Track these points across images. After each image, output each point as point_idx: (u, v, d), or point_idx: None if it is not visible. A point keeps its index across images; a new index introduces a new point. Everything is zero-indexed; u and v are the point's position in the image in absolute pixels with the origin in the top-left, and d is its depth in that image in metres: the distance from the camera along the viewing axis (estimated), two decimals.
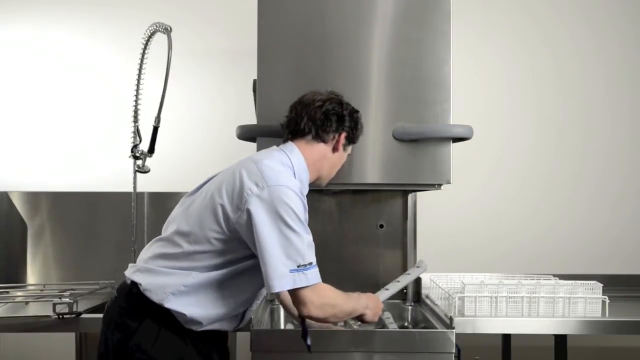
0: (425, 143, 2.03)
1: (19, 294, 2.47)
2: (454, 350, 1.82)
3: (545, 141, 2.98)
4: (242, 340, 2.21)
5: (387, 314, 2.29)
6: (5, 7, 2.98)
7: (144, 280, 1.67)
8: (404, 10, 2.06)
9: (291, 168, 1.74)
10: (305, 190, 1.75)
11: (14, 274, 2.75)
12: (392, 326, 2.11)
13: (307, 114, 1.78)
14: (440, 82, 2.04)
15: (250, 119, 2.17)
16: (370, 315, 1.82)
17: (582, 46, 2.99)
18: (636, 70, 2.99)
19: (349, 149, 1.89)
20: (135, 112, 2.35)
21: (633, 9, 3.00)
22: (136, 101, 2.34)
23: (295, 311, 1.76)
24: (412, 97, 2.04)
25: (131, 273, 1.72)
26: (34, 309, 2.17)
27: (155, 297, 1.64)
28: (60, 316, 2.00)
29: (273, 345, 1.83)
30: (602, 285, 1.99)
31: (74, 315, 2.01)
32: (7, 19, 2.98)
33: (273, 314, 2.30)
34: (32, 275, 2.76)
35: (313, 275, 1.62)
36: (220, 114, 2.92)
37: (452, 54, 2.04)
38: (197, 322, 1.67)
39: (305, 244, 1.62)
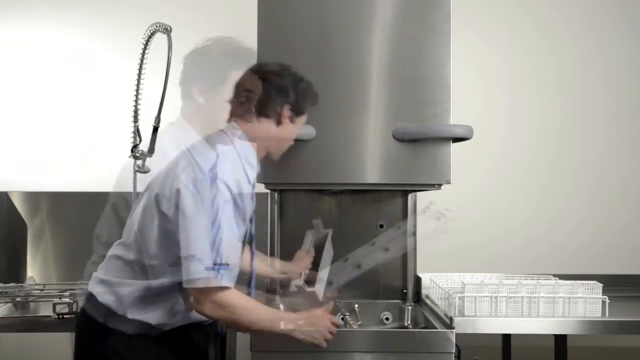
0: (425, 143, 2.03)
1: (19, 294, 2.46)
2: (454, 350, 1.82)
3: (545, 141, 2.97)
4: (242, 340, 2.21)
5: (387, 314, 2.29)
6: (5, 7, 2.98)
7: (102, 297, 1.67)
8: (404, 10, 2.06)
9: (227, 152, 1.65)
10: (252, 170, 1.70)
11: (14, 274, 2.74)
12: (392, 326, 2.11)
13: None
14: (440, 82, 2.04)
15: None
16: (309, 335, 1.66)
17: (583, 46, 2.98)
18: (637, 70, 2.98)
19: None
20: (135, 112, 2.34)
21: (634, 9, 2.99)
22: (136, 101, 2.34)
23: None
24: (412, 97, 2.04)
25: (92, 285, 1.72)
26: (34, 309, 2.17)
27: (116, 311, 1.64)
28: (60, 316, 2.00)
29: (273, 345, 1.83)
30: (602, 285, 1.99)
31: (73, 315, 2.01)
32: (7, 19, 2.98)
33: None
34: (32, 276, 2.76)
35: (227, 278, 1.53)
36: None
37: (452, 54, 2.04)
38: (163, 324, 1.67)
39: (224, 241, 1.52)
